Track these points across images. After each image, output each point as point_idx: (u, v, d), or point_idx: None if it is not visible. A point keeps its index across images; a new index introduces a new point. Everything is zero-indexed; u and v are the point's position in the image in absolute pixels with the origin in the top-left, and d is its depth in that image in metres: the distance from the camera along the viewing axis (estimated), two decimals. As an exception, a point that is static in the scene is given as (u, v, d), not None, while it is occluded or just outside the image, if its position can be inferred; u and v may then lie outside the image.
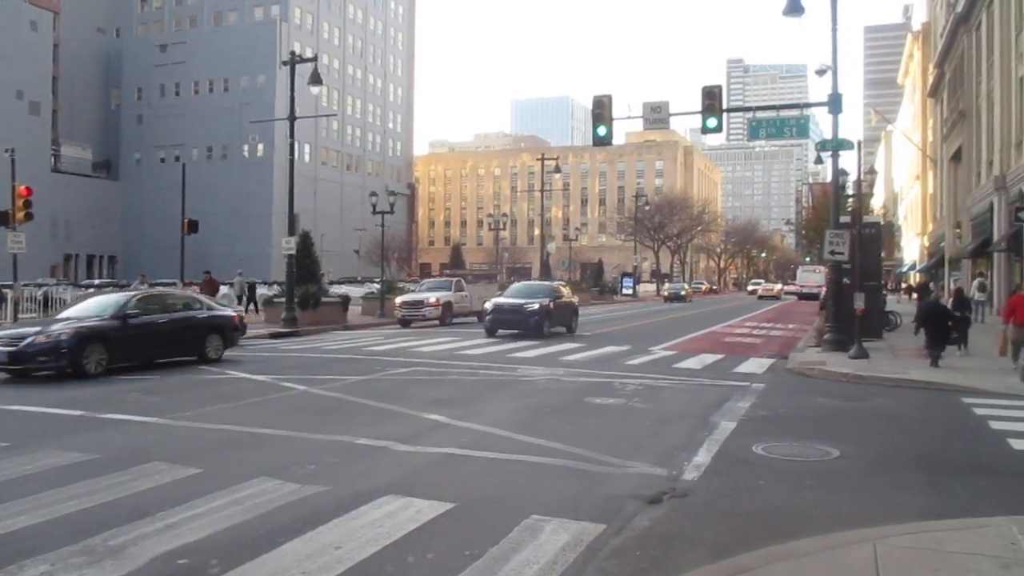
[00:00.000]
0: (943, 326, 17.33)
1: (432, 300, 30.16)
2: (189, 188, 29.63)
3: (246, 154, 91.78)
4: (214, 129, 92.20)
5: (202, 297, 21.36)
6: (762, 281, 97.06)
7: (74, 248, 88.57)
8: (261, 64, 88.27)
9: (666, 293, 66.46)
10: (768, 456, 8.61)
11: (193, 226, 34.06)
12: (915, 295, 36.90)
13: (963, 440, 9.91)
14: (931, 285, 33.43)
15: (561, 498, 6.88)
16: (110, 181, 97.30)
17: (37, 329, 14.80)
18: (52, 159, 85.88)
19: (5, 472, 7.55)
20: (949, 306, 19.75)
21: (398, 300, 31.69)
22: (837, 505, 6.84)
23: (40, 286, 35.48)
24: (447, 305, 30.52)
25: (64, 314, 16.78)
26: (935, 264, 54.69)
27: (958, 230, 45.71)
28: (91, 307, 16.53)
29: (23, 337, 14.34)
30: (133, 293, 18.02)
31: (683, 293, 63.96)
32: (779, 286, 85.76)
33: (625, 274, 79.91)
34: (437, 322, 29.91)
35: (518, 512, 6.37)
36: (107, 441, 9.08)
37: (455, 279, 34.02)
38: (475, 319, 30.65)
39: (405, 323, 29.95)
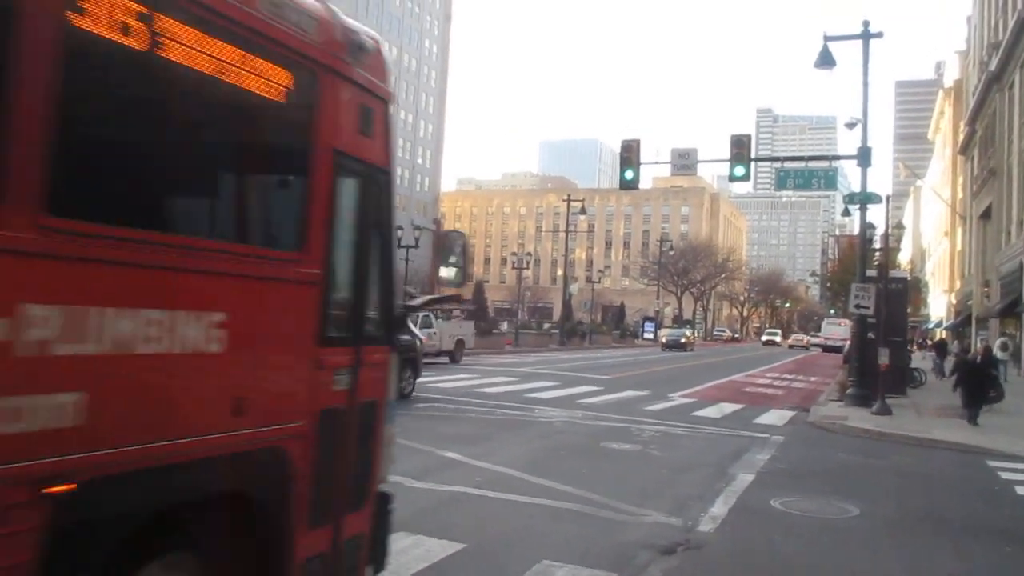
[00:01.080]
0: (981, 384, 17.32)
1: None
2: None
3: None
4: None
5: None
6: (777, 331, 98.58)
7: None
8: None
9: (664, 340, 59.17)
10: (786, 511, 8.45)
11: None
12: (933, 351, 37.28)
13: (988, 504, 9.69)
14: (966, 343, 32.97)
15: (574, 544, 6.78)
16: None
17: None
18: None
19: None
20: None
21: None
22: (855, 565, 6.69)
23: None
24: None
25: None
26: (962, 322, 54.05)
27: (986, 288, 45.20)
28: None
29: None
30: None
31: (683, 340, 56.73)
32: (806, 337, 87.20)
33: (647, 318, 79.62)
34: None
35: (530, 556, 6.28)
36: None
37: (421, 314, 29.95)
38: (446, 360, 28.54)
39: None
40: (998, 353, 28.60)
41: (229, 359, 3.31)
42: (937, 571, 6.62)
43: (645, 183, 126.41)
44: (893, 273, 27.15)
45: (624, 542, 6.96)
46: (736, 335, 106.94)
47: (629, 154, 21.39)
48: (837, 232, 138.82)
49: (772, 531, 7.65)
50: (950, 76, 76.74)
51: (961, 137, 58.49)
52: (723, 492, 9.21)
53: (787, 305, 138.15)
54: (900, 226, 56.84)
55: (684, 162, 21.65)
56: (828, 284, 78.27)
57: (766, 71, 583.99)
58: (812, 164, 23.13)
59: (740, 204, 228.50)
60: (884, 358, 18.12)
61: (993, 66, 41.64)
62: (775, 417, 17.49)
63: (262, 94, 3.45)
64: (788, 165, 23.34)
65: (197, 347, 3.14)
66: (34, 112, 2.48)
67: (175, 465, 3.04)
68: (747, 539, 7.33)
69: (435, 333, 28.14)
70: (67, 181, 2.61)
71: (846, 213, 38.96)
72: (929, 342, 54.32)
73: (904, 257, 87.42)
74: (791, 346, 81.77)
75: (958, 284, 61.51)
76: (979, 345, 28.55)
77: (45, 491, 2.55)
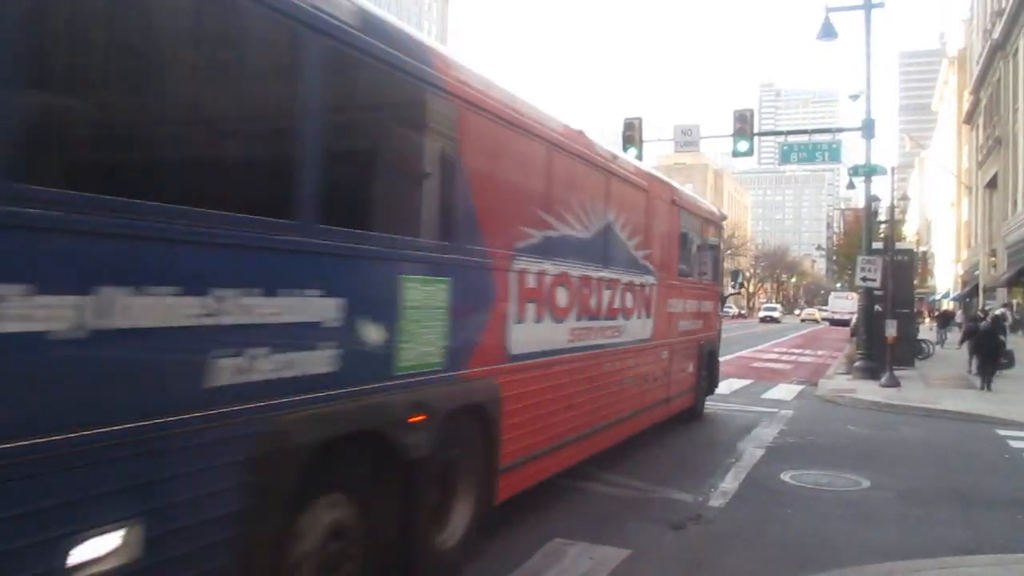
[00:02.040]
0: (994, 350, 18.02)
1: None
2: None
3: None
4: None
5: None
6: (776, 306, 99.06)
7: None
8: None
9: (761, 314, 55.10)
10: (796, 484, 8.48)
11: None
12: (937, 322, 38.22)
13: (998, 473, 9.70)
14: (974, 312, 32.99)
15: (585, 521, 6.81)
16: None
17: None
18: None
19: None
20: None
21: None
22: (867, 537, 6.71)
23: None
24: None
25: None
26: (969, 292, 53.92)
27: (993, 258, 45.06)
28: None
29: None
30: None
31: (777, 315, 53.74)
32: (817, 312, 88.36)
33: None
34: None
35: (541, 534, 6.32)
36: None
37: None
38: None
39: None
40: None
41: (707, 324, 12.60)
42: (948, 541, 6.63)
43: (649, 161, 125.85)
44: (899, 245, 27.10)
45: (635, 519, 6.99)
46: (743, 311, 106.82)
47: (632, 132, 21.32)
48: (842, 206, 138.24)
49: (783, 505, 7.67)
50: (954, 45, 76.13)
51: (966, 106, 58.09)
52: (733, 467, 9.24)
53: (793, 280, 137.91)
54: (905, 198, 56.69)
55: (687, 139, 21.57)
56: (834, 258, 78.31)
57: (768, 45, 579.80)
58: (816, 137, 23.03)
59: (744, 180, 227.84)
60: (891, 330, 18.09)
61: (997, 34, 41.26)
62: (784, 392, 17.50)
63: (708, 235, 12.85)
64: (792, 139, 23.22)
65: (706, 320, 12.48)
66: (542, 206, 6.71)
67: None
68: (758, 513, 7.36)
69: None
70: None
71: (851, 186, 38.77)
72: (935, 313, 54.28)
73: (910, 229, 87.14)
74: (803, 320, 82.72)
75: (964, 255, 61.32)
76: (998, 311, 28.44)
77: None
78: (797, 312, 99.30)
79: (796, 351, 32.58)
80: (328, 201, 3.96)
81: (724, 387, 17.67)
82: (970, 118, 56.28)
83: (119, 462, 2.94)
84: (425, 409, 4.81)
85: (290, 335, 3.74)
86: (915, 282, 31.98)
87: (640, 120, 21.31)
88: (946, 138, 75.50)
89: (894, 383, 17.50)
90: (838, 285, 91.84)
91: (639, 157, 21.56)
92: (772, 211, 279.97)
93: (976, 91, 51.53)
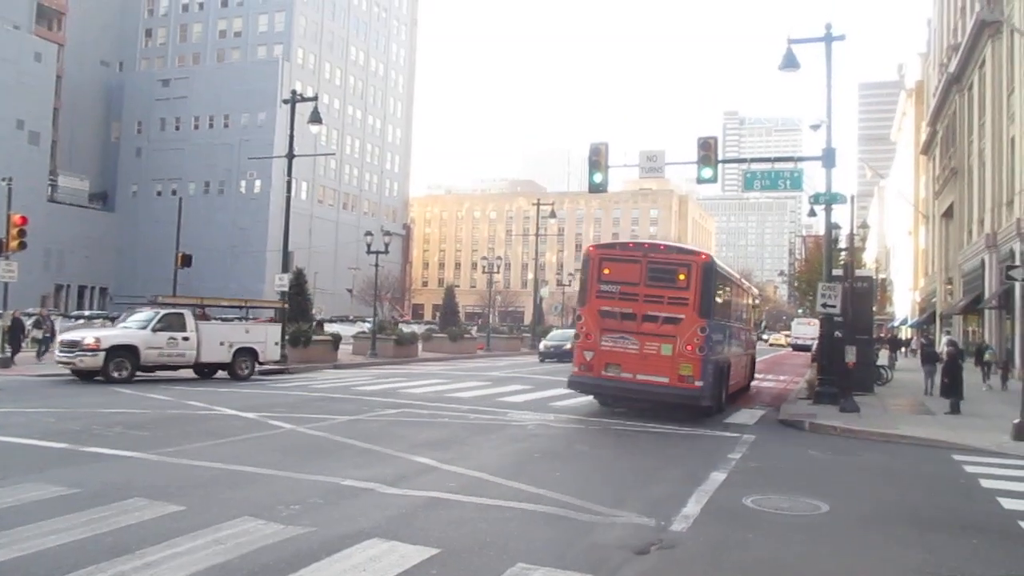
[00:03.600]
0: (960, 375, 18.89)
1: (90, 341, 20.53)
2: (185, 222, 29.64)
3: (243, 190, 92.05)
4: (212, 164, 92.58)
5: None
6: None
7: (66, 278, 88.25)
8: (262, 102, 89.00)
9: (542, 348, 41.11)
10: (758, 509, 8.53)
11: (187, 260, 34.05)
12: (887, 347, 39.79)
13: (954, 498, 9.85)
14: (946, 339, 33.89)
15: (548, 546, 6.79)
16: (106, 212, 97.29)
17: None
18: (49, 189, 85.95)
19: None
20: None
21: (60, 338, 23.32)
22: (827, 561, 6.77)
23: (29, 315, 35.23)
24: (121, 350, 20.61)
25: None
26: (926, 319, 54.91)
27: (949, 286, 46.00)
28: None
29: None
30: None
31: (567, 348, 34.17)
32: (783, 336, 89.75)
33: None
34: (101, 377, 20.39)
35: (504, 560, 6.29)
36: (90, 475, 8.96)
37: (174, 311, 22.26)
38: (225, 373, 22.84)
39: (81, 374, 20.69)
40: (944, 349, 29.43)
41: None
42: (905, 565, 6.71)
43: (614, 186, 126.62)
44: (859, 272, 27.58)
45: (598, 543, 6.98)
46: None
47: (597, 157, 21.46)
48: (804, 232, 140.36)
49: (744, 529, 7.71)
50: (911, 77, 77.98)
51: (923, 137, 59.45)
52: (695, 491, 9.27)
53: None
54: (865, 226, 57.71)
55: (652, 164, 21.76)
56: (796, 284, 79.15)
57: (732, 74, 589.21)
58: (778, 165, 23.34)
59: (708, 206, 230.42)
60: (851, 356, 18.37)
61: (953, 68, 42.40)
62: (746, 416, 17.65)
63: (755, 303, 28.86)
64: (755, 166, 23.52)
65: (751, 344, 25.82)
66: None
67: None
68: (720, 537, 7.39)
69: (186, 339, 21.68)
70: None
71: (812, 214, 39.48)
72: (885, 336, 55.63)
73: (870, 256, 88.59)
74: (771, 344, 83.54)
75: (922, 282, 62.49)
76: (944, 341, 29.24)
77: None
78: (765, 337, 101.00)
79: (758, 376, 32.87)
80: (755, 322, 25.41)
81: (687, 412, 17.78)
82: (927, 149, 57.60)
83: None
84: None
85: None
86: (874, 308, 32.55)
87: (606, 145, 21.48)
88: (904, 168, 77.13)
89: (854, 408, 17.73)
90: (800, 311, 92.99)
91: (604, 181, 21.73)
92: (736, 237, 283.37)
93: (933, 123, 52.79)
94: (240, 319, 25.00)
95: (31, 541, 6.29)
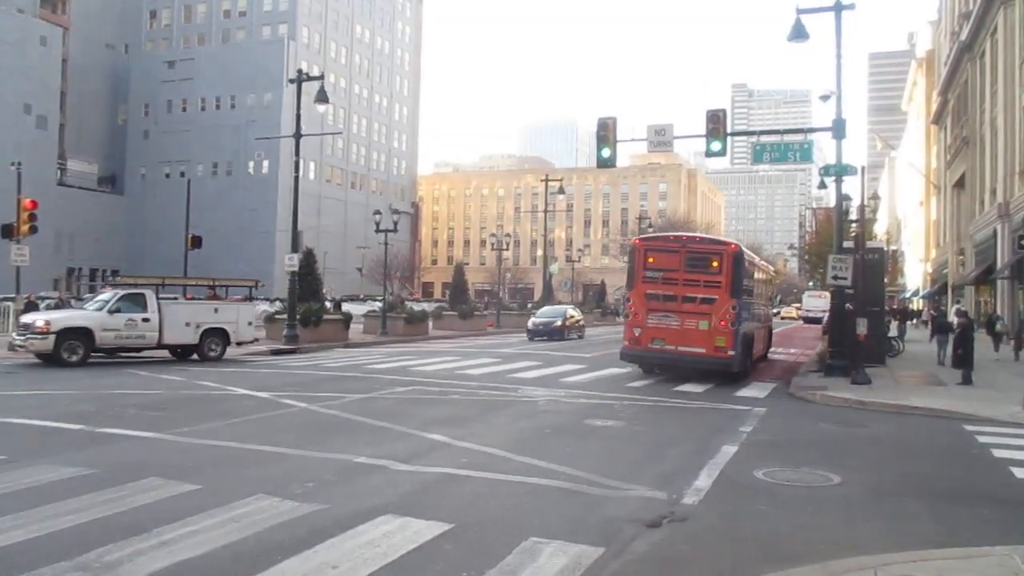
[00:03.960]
0: (972, 346, 18.77)
1: (40, 324, 19.89)
2: (193, 204, 29.71)
3: (251, 171, 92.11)
4: (219, 146, 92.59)
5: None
6: None
7: (77, 262, 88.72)
8: (268, 82, 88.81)
9: (530, 326, 37.17)
10: (769, 481, 8.55)
11: (197, 241, 34.13)
12: (897, 318, 39.87)
13: (966, 468, 9.85)
14: (956, 309, 33.94)
15: (560, 520, 6.83)
16: (115, 195, 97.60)
17: None
18: (58, 173, 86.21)
19: (2, 486, 7.52)
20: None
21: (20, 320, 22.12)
22: (838, 531, 6.79)
23: (42, 299, 35.48)
24: (72, 333, 19.92)
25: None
26: (938, 290, 54.66)
27: (961, 257, 45.73)
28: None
29: None
30: None
31: (559, 325, 36.12)
32: (795, 309, 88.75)
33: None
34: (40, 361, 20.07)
35: (516, 534, 6.33)
36: (105, 456, 9.05)
37: (134, 292, 21.50)
38: (171, 354, 22.32)
39: (41, 357, 20.12)
40: (955, 320, 29.47)
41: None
42: (917, 535, 6.73)
43: (622, 161, 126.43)
44: (870, 244, 27.42)
45: (610, 517, 7.02)
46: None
47: (605, 132, 21.34)
48: (814, 205, 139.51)
49: (756, 501, 7.73)
50: (922, 46, 77.10)
51: (934, 107, 58.87)
52: (707, 465, 9.30)
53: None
54: (876, 197, 57.33)
55: (660, 139, 21.61)
56: (806, 257, 78.79)
57: (740, 46, 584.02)
58: (788, 138, 23.19)
59: (717, 179, 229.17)
60: (862, 328, 18.32)
61: (964, 36, 41.88)
62: (756, 389, 17.65)
63: (771, 280, 32.49)
64: (764, 139, 23.38)
65: (769, 318, 29.20)
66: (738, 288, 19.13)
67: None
68: (731, 510, 7.42)
69: (147, 319, 20.89)
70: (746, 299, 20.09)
71: (822, 186, 39.23)
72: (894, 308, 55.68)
73: (880, 228, 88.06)
74: (782, 318, 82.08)
75: (934, 253, 62.13)
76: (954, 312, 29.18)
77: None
78: (776, 311, 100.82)
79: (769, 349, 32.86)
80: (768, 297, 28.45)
81: (697, 385, 17.83)
82: (938, 118, 57.04)
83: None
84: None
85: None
86: (885, 280, 32.40)
87: (614, 120, 21.35)
88: (915, 138, 76.45)
89: (865, 380, 17.71)
90: (810, 284, 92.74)
91: (613, 156, 21.65)
92: (745, 210, 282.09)
93: (944, 92, 52.23)
94: (249, 299, 24.59)
95: (49, 521, 6.38)
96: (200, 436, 10.35)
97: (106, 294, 22.13)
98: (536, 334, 35.47)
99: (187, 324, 21.74)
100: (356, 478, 8.23)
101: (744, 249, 20.08)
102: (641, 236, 25.13)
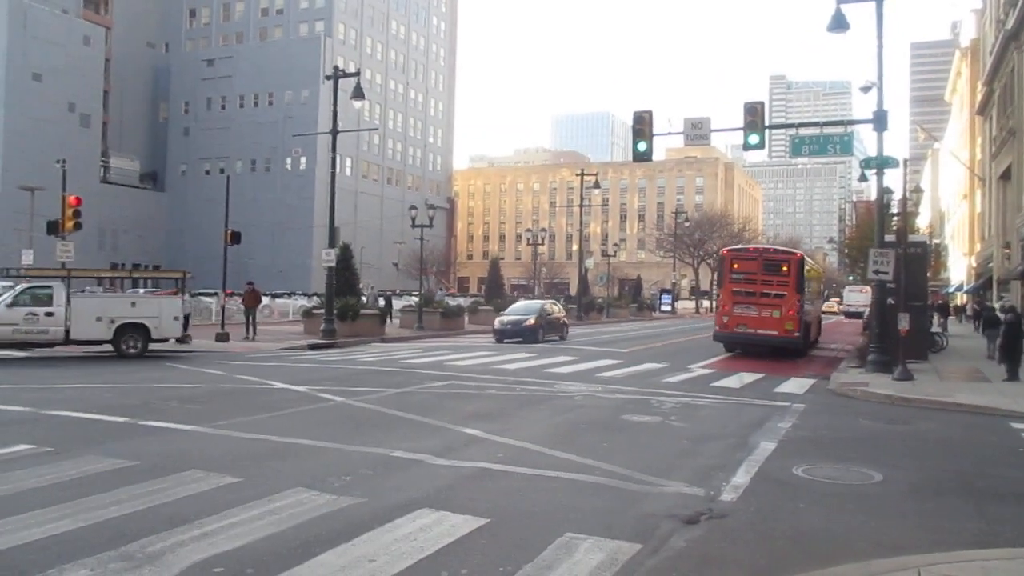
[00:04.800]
0: (1019, 342, 18.23)
1: None
2: (232, 200, 30.03)
3: (288, 167, 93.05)
4: (258, 142, 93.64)
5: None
6: None
7: (120, 257, 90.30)
8: (305, 79, 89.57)
9: (498, 326, 31.35)
10: (808, 478, 8.45)
11: (236, 237, 34.47)
12: (939, 313, 39.60)
13: (1012, 467, 9.64)
14: (1003, 303, 33.45)
15: (597, 516, 6.81)
16: (156, 192, 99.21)
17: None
18: (101, 170, 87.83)
19: (48, 477, 7.69)
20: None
21: None
22: (879, 530, 6.68)
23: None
24: None
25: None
26: (983, 285, 53.56)
27: (1007, 250, 44.71)
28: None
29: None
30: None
31: (530, 324, 30.17)
32: (835, 304, 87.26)
33: (664, 290, 79.48)
34: None
35: (553, 529, 6.32)
36: (147, 448, 9.21)
37: (38, 285, 20.82)
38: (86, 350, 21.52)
39: None
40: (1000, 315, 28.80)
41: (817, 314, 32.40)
42: (961, 535, 6.60)
43: (658, 155, 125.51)
44: (912, 238, 26.92)
45: (647, 513, 6.99)
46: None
47: (641, 126, 21.20)
48: (854, 198, 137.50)
49: (795, 499, 7.64)
50: (966, 35, 75.44)
51: (979, 98, 57.58)
52: (745, 461, 9.22)
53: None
54: (918, 190, 56.33)
55: (697, 132, 21.42)
56: (846, 251, 77.66)
57: (778, 37, 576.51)
58: (827, 130, 22.83)
59: (755, 173, 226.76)
60: (904, 323, 18.00)
61: (1010, 24, 40.87)
62: (795, 385, 17.45)
63: (821, 278, 42.91)
64: (803, 132, 23.11)
65: (818, 309, 35.85)
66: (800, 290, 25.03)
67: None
68: (770, 507, 7.34)
69: (51, 314, 19.91)
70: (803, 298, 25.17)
71: (863, 178, 38.67)
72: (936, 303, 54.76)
73: (923, 221, 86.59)
74: (823, 313, 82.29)
75: (978, 247, 60.84)
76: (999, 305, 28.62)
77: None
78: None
79: (820, 334, 32.44)
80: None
81: (735, 381, 17.68)
82: (983, 109, 55.79)
83: None
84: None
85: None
86: (928, 275, 31.83)
87: (650, 113, 21.21)
88: (959, 129, 74.89)
89: (907, 376, 17.42)
90: (850, 278, 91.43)
91: (649, 150, 21.51)
92: (783, 204, 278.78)
93: (989, 82, 51.06)
94: (180, 292, 23.14)
95: (94, 512, 6.50)
96: (239, 429, 10.49)
97: (18, 287, 21.10)
98: (504, 335, 29.66)
99: (99, 319, 20.44)
100: (393, 472, 8.28)
101: (805, 257, 26.85)
102: (728, 248, 30.77)
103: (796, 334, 24.05)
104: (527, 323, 29.86)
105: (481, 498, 7.33)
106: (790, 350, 24.35)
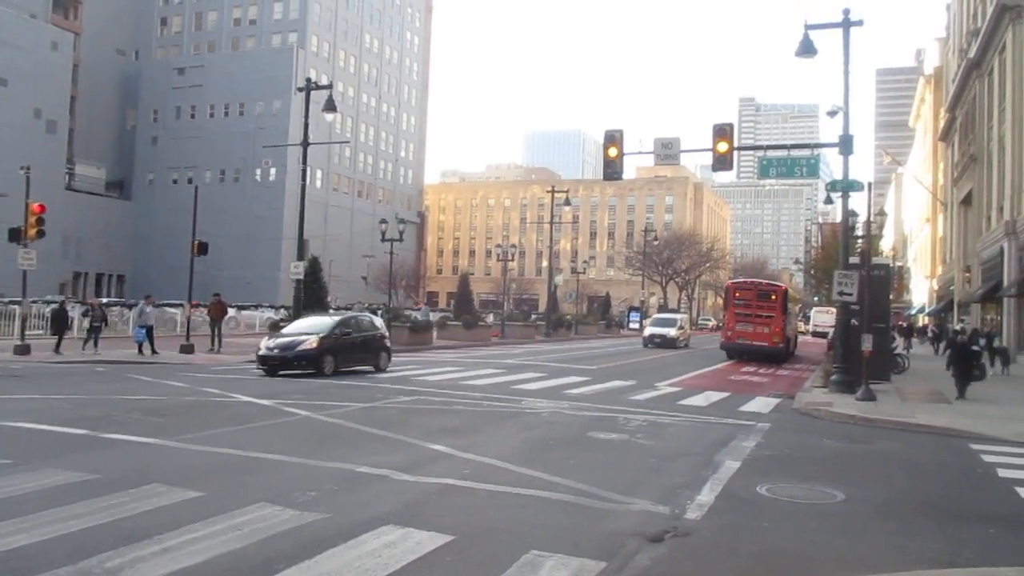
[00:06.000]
0: (969, 364, 19.59)
1: None
2: (200, 210, 29.68)
3: (258, 178, 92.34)
4: (227, 152, 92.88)
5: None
6: (710, 318, 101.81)
7: (84, 266, 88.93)
8: (277, 90, 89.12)
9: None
10: (773, 497, 8.51)
11: (203, 248, 34.10)
12: (903, 335, 41.92)
13: (971, 487, 9.80)
14: (962, 327, 34.38)
15: (562, 533, 6.81)
16: (122, 201, 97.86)
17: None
18: (67, 177, 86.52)
19: (6, 490, 7.52)
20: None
21: None
22: (842, 549, 6.75)
23: (48, 303, 35.54)
24: None
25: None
26: (944, 307, 54.49)
27: (967, 274, 45.59)
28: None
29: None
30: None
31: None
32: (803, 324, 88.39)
33: (632, 308, 79.84)
34: None
35: (518, 547, 6.31)
36: (108, 461, 9.05)
37: None
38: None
39: None
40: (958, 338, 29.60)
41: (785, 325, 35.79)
42: (922, 553, 6.68)
43: (629, 173, 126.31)
44: (876, 260, 27.39)
45: (612, 531, 7.00)
46: (720, 324, 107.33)
47: (612, 144, 21.38)
48: (820, 220, 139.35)
49: (759, 517, 7.70)
50: (930, 63, 77.12)
51: (941, 124, 58.82)
52: (710, 479, 9.27)
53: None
54: (882, 213, 57.24)
55: (667, 152, 21.64)
56: (812, 271, 78.70)
57: (748, 60, 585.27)
58: (794, 152, 23.20)
59: (724, 193, 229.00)
60: (867, 344, 18.26)
61: (972, 53, 41.88)
62: (761, 404, 17.60)
63: (796, 302, 59.40)
64: (771, 154, 23.42)
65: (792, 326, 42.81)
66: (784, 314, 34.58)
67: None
68: (734, 525, 7.38)
69: None
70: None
71: (828, 201, 39.22)
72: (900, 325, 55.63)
73: (887, 244, 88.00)
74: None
75: (940, 270, 61.95)
76: (958, 329, 29.25)
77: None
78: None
79: (774, 364, 32.78)
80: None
81: (701, 399, 17.79)
82: (946, 135, 56.98)
83: None
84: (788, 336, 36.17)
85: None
86: (891, 296, 32.50)
87: (621, 132, 21.39)
88: (922, 155, 76.39)
89: (870, 397, 17.64)
90: (815, 299, 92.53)
91: (619, 169, 21.67)
92: (751, 224, 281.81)
93: (952, 109, 52.20)
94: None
95: (52, 526, 6.37)
96: (203, 443, 10.35)
97: None
98: (271, 363, 20.44)
99: None
100: (358, 487, 8.22)
101: (788, 288, 39.70)
102: (732, 280, 43.56)
103: (781, 344, 32.86)
104: (303, 345, 20.31)
105: (447, 514, 7.30)
106: (777, 355, 32.58)
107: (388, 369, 22.67)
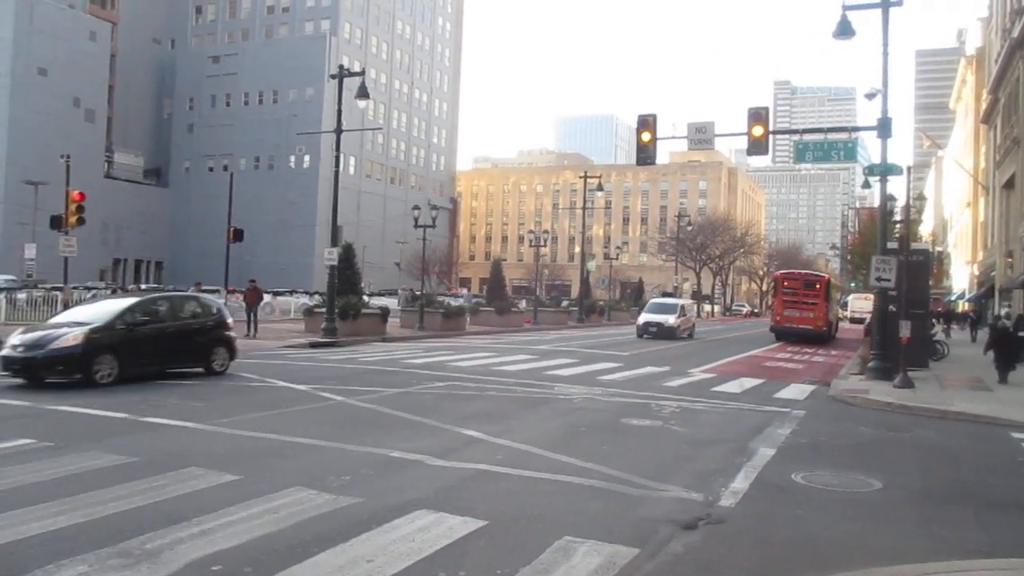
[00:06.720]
0: (1012, 350, 19.59)
1: None
2: (236, 197, 30.04)
3: (292, 165, 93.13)
4: (262, 140, 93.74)
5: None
6: (744, 304, 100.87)
7: (123, 253, 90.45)
8: (310, 77, 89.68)
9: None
10: (808, 485, 8.44)
11: (238, 235, 34.58)
12: (941, 321, 44.08)
13: (1012, 476, 9.63)
14: (1007, 312, 33.99)
15: (595, 519, 6.81)
16: (160, 188, 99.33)
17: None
18: (105, 165, 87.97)
19: (48, 472, 7.69)
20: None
21: None
22: (878, 538, 6.67)
23: (89, 289, 36.21)
24: None
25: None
26: (985, 293, 53.51)
27: (1010, 259, 44.66)
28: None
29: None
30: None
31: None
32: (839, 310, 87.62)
33: (665, 293, 79.45)
34: None
35: (551, 532, 6.32)
36: (147, 444, 9.21)
37: None
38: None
39: None
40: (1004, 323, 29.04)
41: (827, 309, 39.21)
42: (960, 544, 6.59)
43: (662, 158, 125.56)
44: (915, 245, 26.91)
45: (645, 517, 6.98)
46: (755, 310, 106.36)
47: (645, 129, 21.21)
48: (857, 204, 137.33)
49: (794, 505, 7.64)
50: (972, 44, 75.46)
51: (983, 106, 57.53)
52: (744, 467, 9.21)
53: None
54: (921, 197, 56.28)
55: (701, 136, 21.44)
56: (848, 257, 77.63)
57: (783, 43, 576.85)
58: (831, 136, 22.89)
59: (758, 178, 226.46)
60: (905, 331, 17.98)
61: (1016, 32, 40.84)
62: (796, 391, 17.43)
63: (838, 289, 59.78)
64: (807, 137, 23.10)
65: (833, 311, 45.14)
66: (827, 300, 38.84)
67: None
68: (769, 513, 7.33)
69: None
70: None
71: (866, 185, 39.02)
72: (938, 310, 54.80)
73: (926, 229, 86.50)
74: None
75: (981, 255, 60.76)
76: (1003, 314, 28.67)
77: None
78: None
79: (809, 350, 32.40)
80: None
81: (735, 386, 17.66)
82: (988, 118, 55.74)
83: None
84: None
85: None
86: (930, 282, 31.85)
87: (654, 117, 21.20)
88: (963, 137, 74.83)
89: (908, 384, 17.39)
90: (852, 284, 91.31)
91: (652, 153, 21.51)
92: (786, 209, 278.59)
93: (994, 90, 51.01)
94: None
95: (92, 508, 6.50)
96: (239, 427, 10.49)
97: None
98: (11, 363, 14.47)
99: None
100: (392, 472, 8.28)
101: (831, 278, 42.85)
102: (780, 271, 51.08)
103: (824, 328, 36.80)
104: (58, 343, 14.04)
105: (480, 500, 7.33)
106: (819, 337, 36.10)
107: (422, 355, 22.79)
